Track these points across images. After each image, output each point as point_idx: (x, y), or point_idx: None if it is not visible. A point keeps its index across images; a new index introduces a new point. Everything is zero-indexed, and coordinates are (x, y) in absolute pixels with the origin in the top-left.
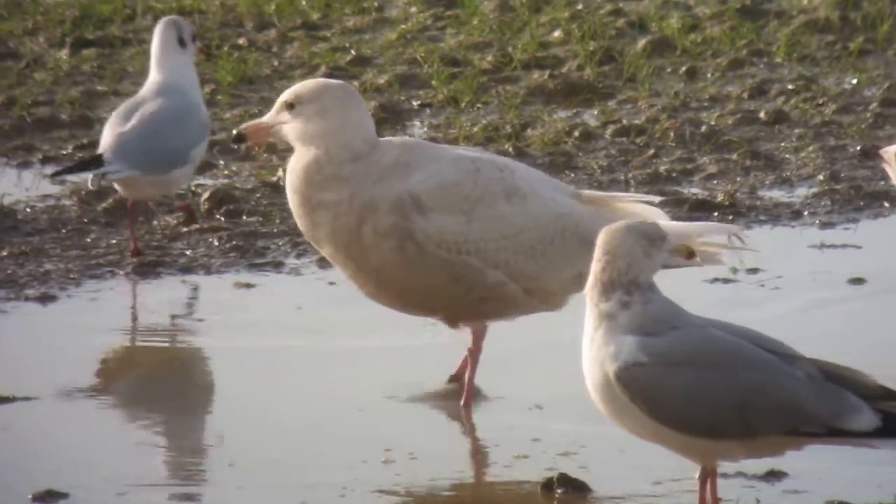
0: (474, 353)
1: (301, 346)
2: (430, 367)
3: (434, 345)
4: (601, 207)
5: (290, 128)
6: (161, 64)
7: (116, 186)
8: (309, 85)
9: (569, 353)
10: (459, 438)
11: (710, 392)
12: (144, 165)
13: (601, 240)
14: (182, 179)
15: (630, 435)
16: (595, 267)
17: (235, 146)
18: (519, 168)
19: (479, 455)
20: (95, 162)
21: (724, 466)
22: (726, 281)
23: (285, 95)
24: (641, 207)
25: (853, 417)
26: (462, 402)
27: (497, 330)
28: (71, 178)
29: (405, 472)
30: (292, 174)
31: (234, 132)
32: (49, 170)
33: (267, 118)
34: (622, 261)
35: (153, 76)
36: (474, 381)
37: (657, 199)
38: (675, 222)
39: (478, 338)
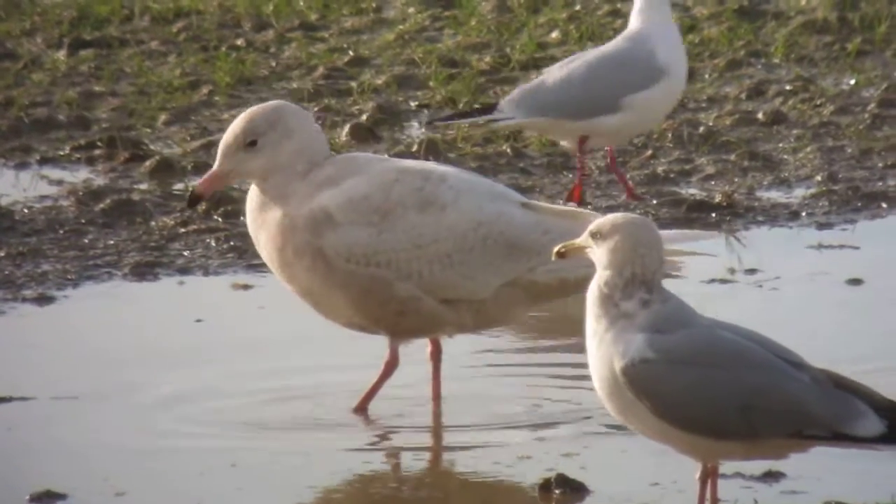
0: (388, 364)
1: (298, 348)
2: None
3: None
4: (560, 218)
5: (257, 164)
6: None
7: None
8: (263, 114)
9: (573, 354)
10: (462, 438)
11: (715, 392)
12: (552, 110)
13: (626, 234)
14: (623, 128)
15: (632, 436)
16: (615, 263)
17: (191, 209)
18: (452, 178)
19: (481, 455)
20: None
21: (723, 467)
22: (724, 281)
23: (240, 136)
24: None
25: (858, 422)
26: (355, 406)
27: (498, 332)
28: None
29: (407, 471)
30: (252, 197)
31: (188, 195)
32: (46, 171)
33: (221, 166)
34: (652, 257)
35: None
36: (378, 390)
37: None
38: None
39: (393, 353)
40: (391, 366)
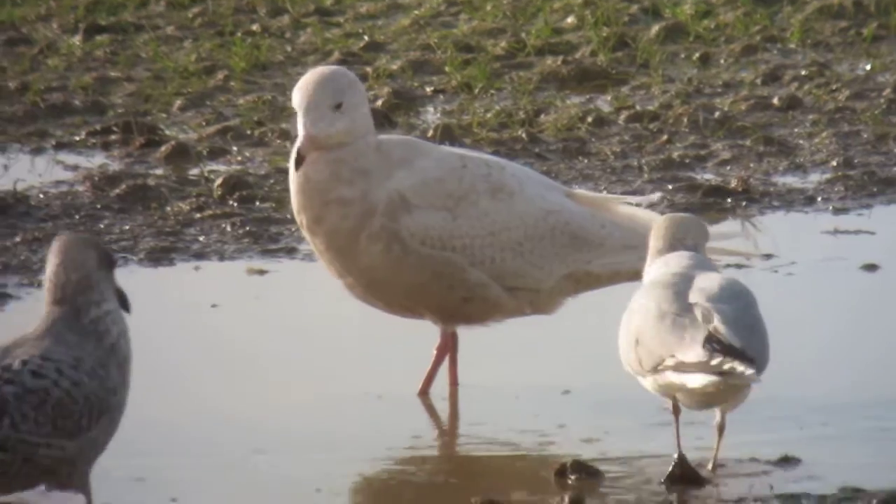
0: (441, 349)
1: (315, 333)
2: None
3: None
4: (596, 208)
5: (343, 126)
6: None
7: None
8: (343, 75)
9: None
10: (485, 425)
11: None
12: None
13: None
14: None
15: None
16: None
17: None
18: (508, 166)
19: (503, 441)
20: None
21: (738, 451)
22: (739, 266)
23: (329, 96)
24: (635, 209)
25: None
26: (419, 391)
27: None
28: None
29: (429, 457)
30: (313, 168)
31: (295, 153)
32: (62, 156)
33: (318, 126)
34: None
35: None
36: (435, 374)
37: (656, 195)
38: None
39: (446, 337)
40: (444, 350)
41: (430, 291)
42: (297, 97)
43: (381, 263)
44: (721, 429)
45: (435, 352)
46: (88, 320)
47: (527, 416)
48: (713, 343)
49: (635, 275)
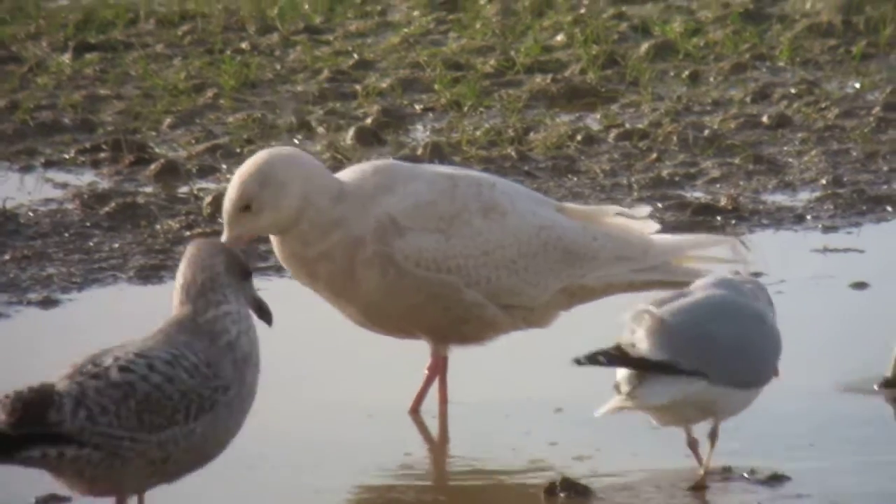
0: (434, 369)
1: (305, 351)
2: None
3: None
4: (587, 220)
5: (263, 223)
6: None
7: None
8: (251, 177)
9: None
10: (475, 442)
11: None
12: None
13: None
14: None
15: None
16: None
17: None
18: (498, 182)
19: (494, 459)
20: None
21: (726, 468)
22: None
23: (235, 202)
24: (628, 221)
25: None
26: (410, 409)
27: (517, 335)
28: None
29: (419, 474)
30: (284, 244)
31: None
32: (51, 174)
33: (230, 233)
34: None
35: None
36: (426, 393)
37: (646, 210)
38: (669, 236)
39: (437, 359)
40: (436, 370)
41: (427, 313)
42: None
43: (378, 287)
44: (713, 437)
45: (427, 372)
46: (204, 320)
47: (518, 434)
48: (602, 355)
49: (629, 286)
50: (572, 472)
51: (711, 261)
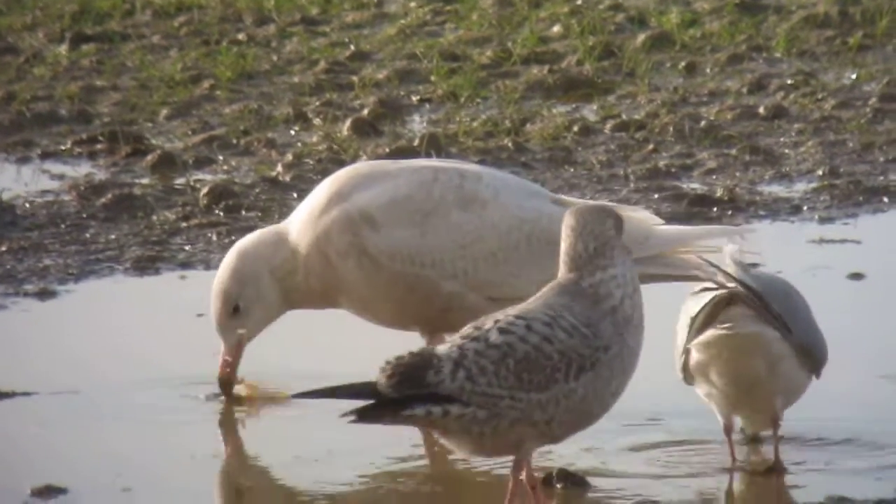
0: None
1: (301, 343)
2: None
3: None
4: None
5: (257, 317)
6: None
7: None
8: (228, 281)
9: None
10: None
11: None
12: None
13: None
14: None
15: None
16: None
17: (228, 397)
18: (486, 174)
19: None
20: None
21: (724, 461)
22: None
23: (224, 309)
24: (632, 213)
25: None
26: None
27: None
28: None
29: (416, 466)
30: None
31: (220, 384)
32: (48, 165)
33: (228, 343)
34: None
35: None
36: None
37: (641, 207)
38: (672, 226)
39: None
40: None
41: (409, 304)
42: None
43: (358, 279)
44: (774, 421)
45: None
46: (588, 284)
47: None
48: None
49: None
50: (574, 466)
51: (709, 252)
